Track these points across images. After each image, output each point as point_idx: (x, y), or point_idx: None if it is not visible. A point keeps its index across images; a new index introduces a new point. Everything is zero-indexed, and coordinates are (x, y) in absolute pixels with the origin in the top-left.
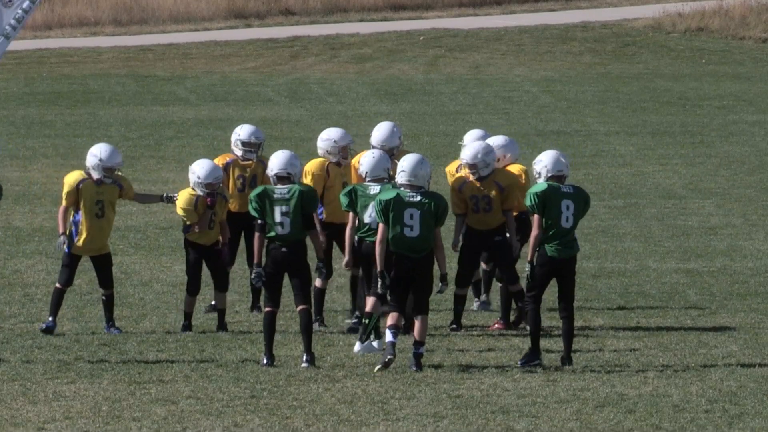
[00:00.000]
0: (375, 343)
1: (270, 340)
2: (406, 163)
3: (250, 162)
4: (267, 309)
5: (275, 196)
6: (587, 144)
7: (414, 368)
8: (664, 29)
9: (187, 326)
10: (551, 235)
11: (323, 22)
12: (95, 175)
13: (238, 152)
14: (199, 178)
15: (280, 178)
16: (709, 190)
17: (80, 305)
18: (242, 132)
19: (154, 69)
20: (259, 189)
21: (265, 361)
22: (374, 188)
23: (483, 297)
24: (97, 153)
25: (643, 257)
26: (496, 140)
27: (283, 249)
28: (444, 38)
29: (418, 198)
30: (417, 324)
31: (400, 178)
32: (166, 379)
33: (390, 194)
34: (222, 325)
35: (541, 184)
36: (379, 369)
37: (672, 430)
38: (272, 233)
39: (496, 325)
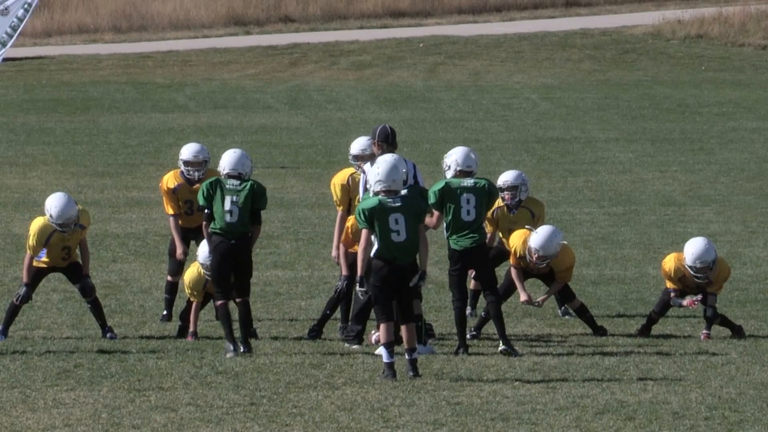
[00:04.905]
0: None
1: (230, 328)
2: (381, 171)
3: (197, 186)
4: (219, 302)
5: (227, 186)
6: (587, 151)
7: (411, 373)
8: (664, 36)
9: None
10: (454, 229)
11: (323, 29)
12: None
13: (183, 170)
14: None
15: (231, 177)
16: (708, 197)
17: (80, 312)
18: (185, 151)
19: (153, 76)
20: (212, 178)
21: (232, 348)
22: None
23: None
24: (48, 209)
25: (643, 264)
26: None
27: (232, 241)
28: (443, 45)
29: (399, 203)
30: (405, 332)
31: (377, 186)
32: (165, 386)
33: (372, 203)
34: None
35: (439, 182)
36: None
37: None
38: (218, 226)
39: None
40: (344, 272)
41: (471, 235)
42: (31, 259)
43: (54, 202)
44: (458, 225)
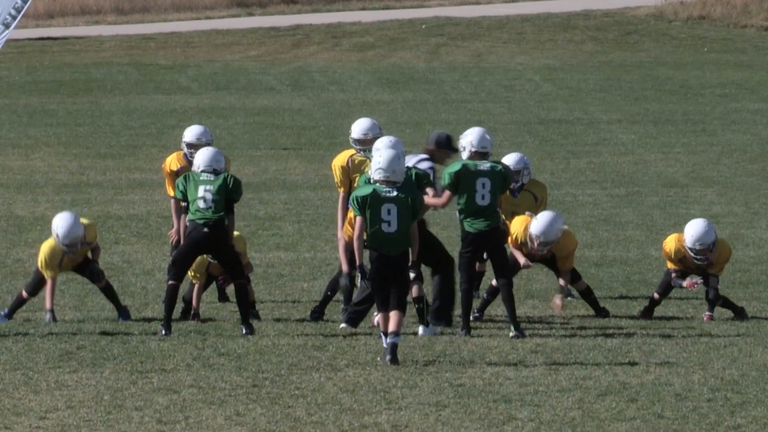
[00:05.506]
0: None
1: (170, 312)
2: (382, 160)
3: None
4: (171, 282)
5: (201, 178)
6: (589, 132)
7: (388, 357)
8: (666, 17)
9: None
10: (469, 213)
11: (325, 11)
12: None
13: (186, 152)
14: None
15: (205, 173)
16: (710, 179)
17: (82, 294)
18: (188, 133)
19: (156, 57)
20: (186, 173)
21: (163, 332)
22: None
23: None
24: (55, 228)
25: (645, 246)
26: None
27: (205, 229)
28: (446, 26)
29: (395, 193)
30: (392, 316)
31: (377, 174)
32: (168, 368)
33: (366, 191)
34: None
35: (456, 164)
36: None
37: (674, 418)
38: (192, 213)
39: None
40: (345, 269)
41: (485, 218)
42: (53, 282)
43: (60, 222)
44: (472, 209)
